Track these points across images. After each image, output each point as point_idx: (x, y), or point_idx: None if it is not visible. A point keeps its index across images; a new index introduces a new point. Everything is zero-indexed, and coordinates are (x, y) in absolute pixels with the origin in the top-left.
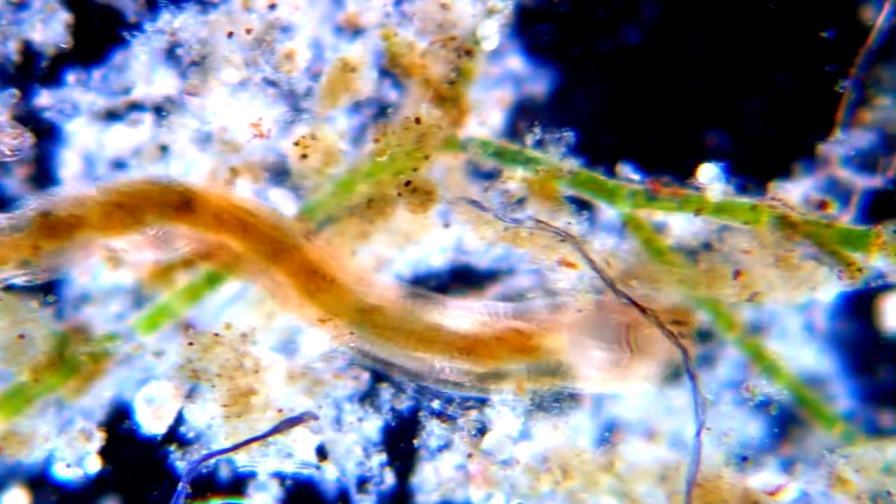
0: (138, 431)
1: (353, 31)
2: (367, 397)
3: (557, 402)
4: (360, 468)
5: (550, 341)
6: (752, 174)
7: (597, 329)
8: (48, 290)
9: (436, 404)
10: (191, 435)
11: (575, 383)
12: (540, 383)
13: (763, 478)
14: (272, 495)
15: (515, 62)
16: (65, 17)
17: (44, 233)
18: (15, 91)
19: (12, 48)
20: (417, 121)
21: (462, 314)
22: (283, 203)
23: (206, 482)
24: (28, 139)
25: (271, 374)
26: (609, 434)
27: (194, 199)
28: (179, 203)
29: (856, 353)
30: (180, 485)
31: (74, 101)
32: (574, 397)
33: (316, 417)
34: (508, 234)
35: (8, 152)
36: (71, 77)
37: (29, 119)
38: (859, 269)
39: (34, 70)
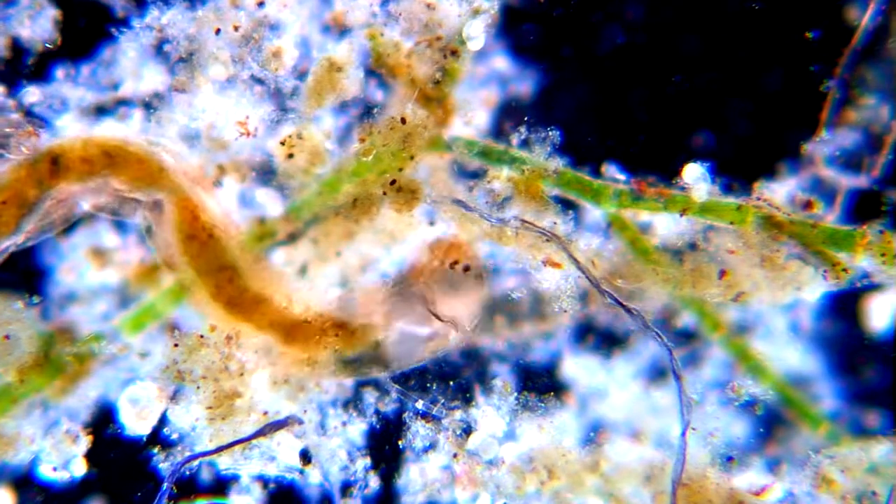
0: (122, 432)
1: (340, 30)
2: (351, 401)
3: (542, 401)
4: (344, 472)
5: (369, 328)
6: (737, 174)
7: (402, 307)
8: (33, 290)
9: (420, 405)
10: (174, 437)
11: (403, 362)
12: (370, 367)
13: (748, 478)
14: (255, 498)
15: (501, 62)
16: (52, 13)
17: None
18: (34, 89)
19: (0, 44)
20: (403, 121)
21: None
22: (269, 202)
23: (188, 485)
24: (41, 135)
25: (256, 377)
26: (594, 434)
27: (59, 155)
28: (48, 166)
29: (841, 354)
30: (164, 485)
31: (63, 97)
32: (559, 397)
33: (300, 422)
34: (493, 233)
35: (24, 150)
36: (60, 72)
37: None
38: (844, 269)
39: (22, 66)
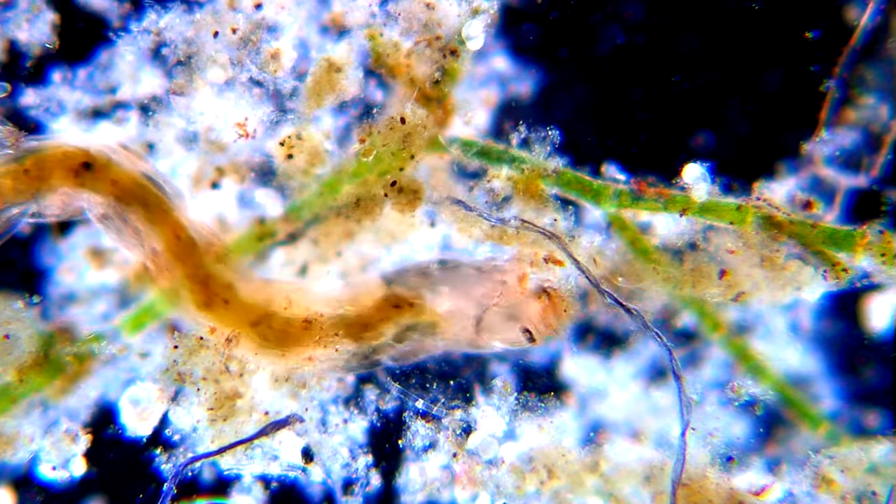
0: (123, 433)
1: (339, 31)
2: (352, 399)
3: (542, 401)
4: (345, 470)
5: (427, 306)
6: (737, 174)
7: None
8: (33, 290)
9: (420, 404)
10: (176, 438)
11: (442, 343)
12: (414, 341)
13: (748, 478)
14: (256, 498)
15: (501, 62)
16: (50, 17)
17: None
18: (6, 84)
19: None
20: (402, 120)
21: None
22: (269, 203)
23: (190, 486)
24: (22, 138)
25: (256, 378)
26: (594, 434)
27: (92, 163)
28: (80, 166)
29: (841, 354)
30: (166, 485)
31: (60, 100)
32: (559, 397)
33: (301, 420)
34: (495, 231)
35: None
36: (57, 75)
37: (14, 117)
38: (844, 269)
39: (19, 69)
